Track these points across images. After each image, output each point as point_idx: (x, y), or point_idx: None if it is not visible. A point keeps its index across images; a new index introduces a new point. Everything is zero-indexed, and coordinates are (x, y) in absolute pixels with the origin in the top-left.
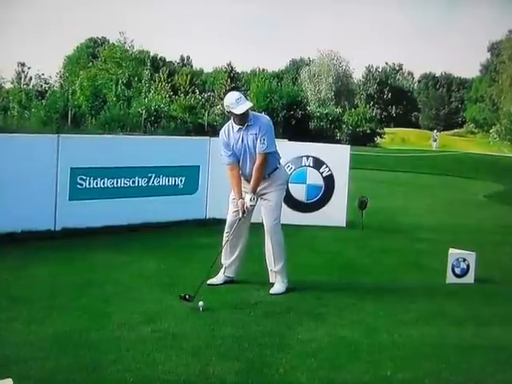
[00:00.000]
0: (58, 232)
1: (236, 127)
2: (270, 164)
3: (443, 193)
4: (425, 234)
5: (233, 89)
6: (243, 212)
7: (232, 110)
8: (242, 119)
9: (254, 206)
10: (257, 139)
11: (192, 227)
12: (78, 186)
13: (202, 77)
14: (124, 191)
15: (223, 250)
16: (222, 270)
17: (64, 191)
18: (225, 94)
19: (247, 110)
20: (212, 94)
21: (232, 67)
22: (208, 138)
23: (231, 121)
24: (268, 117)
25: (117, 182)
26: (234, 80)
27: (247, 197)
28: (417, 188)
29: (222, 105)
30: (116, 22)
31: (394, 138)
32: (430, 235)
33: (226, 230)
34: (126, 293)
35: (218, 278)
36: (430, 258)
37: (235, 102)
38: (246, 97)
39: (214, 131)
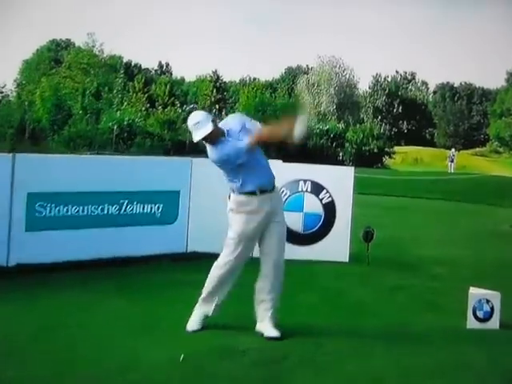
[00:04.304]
0: (11, 268)
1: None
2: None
3: (462, 222)
4: (441, 270)
5: (219, 101)
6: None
7: (192, 136)
8: (211, 138)
9: None
10: (241, 130)
11: (170, 262)
12: (37, 215)
13: (184, 87)
14: (91, 220)
15: (211, 289)
16: (201, 311)
17: (19, 220)
18: (210, 107)
19: (206, 136)
20: (195, 106)
21: (218, 76)
22: (190, 158)
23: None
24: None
25: (83, 209)
26: (221, 90)
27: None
28: (431, 216)
29: None
30: (83, 22)
31: (406, 158)
32: (447, 271)
33: (218, 276)
34: (93, 338)
35: (197, 323)
36: (446, 298)
37: (193, 127)
38: (215, 114)
39: (196, 150)
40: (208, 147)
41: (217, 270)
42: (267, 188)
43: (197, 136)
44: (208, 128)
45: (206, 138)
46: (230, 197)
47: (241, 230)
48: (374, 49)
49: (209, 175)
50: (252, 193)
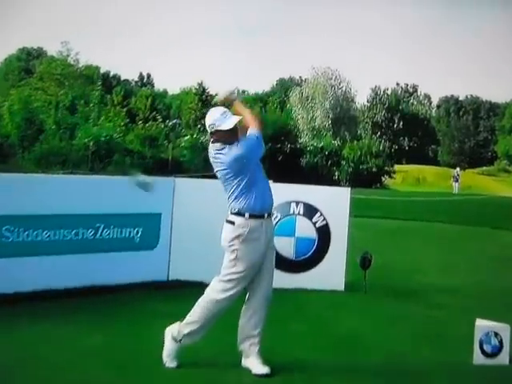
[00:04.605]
0: None
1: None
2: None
3: (467, 246)
4: (443, 299)
5: (205, 115)
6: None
7: (219, 128)
8: (232, 137)
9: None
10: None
11: (151, 291)
12: (3, 240)
13: (166, 100)
14: (64, 246)
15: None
16: (178, 345)
17: None
18: (194, 122)
19: (236, 126)
20: (178, 121)
21: (204, 88)
22: (172, 178)
23: (211, 147)
24: None
25: (55, 234)
26: (207, 104)
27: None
28: (434, 240)
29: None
30: (57, 29)
31: (407, 178)
32: (451, 300)
33: (215, 311)
34: (65, 375)
35: (176, 358)
36: (450, 331)
37: (221, 117)
38: (200, 130)
39: (180, 169)
40: (223, 151)
41: (214, 305)
42: (271, 210)
43: (231, 122)
44: (237, 116)
45: (234, 130)
46: (231, 222)
47: (250, 261)
48: (372, 60)
49: (193, 196)
50: (260, 216)
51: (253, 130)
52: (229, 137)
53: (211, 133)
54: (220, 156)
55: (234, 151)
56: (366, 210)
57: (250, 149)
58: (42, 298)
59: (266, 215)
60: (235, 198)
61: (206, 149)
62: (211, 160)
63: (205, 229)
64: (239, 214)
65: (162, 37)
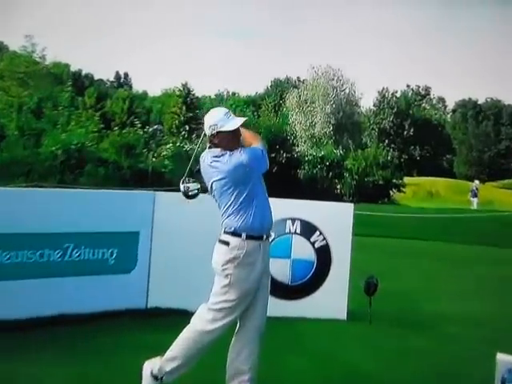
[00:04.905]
0: None
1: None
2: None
3: (485, 270)
4: (458, 329)
5: (190, 120)
6: None
7: (222, 129)
8: (234, 141)
9: None
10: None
11: (127, 321)
12: None
13: (146, 103)
14: (27, 269)
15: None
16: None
17: None
18: (178, 128)
19: (239, 130)
20: (160, 127)
21: (189, 90)
22: (152, 192)
23: (207, 154)
24: None
25: (16, 255)
26: (192, 107)
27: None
28: (448, 263)
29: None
30: (20, 22)
31: (418, 192)
32: (467, 331)
33: (203, 343)
34: None
35: None
36: (467, 366)
37: (224, 117)
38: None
39: (161, 181)
40: (222, 158)
41: (202, 337)
42: (270, 232)
43: (235, 123)
44: (242, 118)
45: (238, 132)
46: (226, 242)
47: (245, 288)
48: (379, 59)
49: (176, 212)
50: (259, 237)
51: (257, 145)
52: (231, 140)
53: (211, 135)
54: (218, 164)
55: (235, 158)
56: (372, 229)
57: (255, 157)
58: (2, 329)
59: (264, 236)
60: (231, 215)
61: (190, 158)
62: (204, 170)
63: (189, 250)
64: (235, 233)
65: (142, 32)
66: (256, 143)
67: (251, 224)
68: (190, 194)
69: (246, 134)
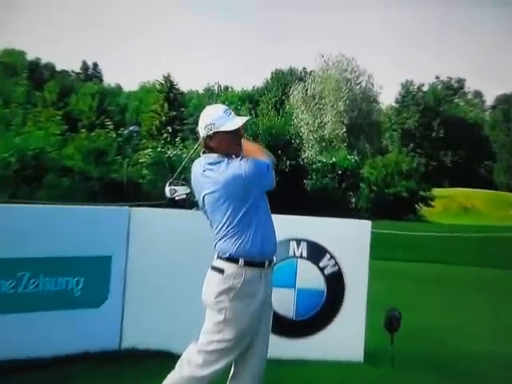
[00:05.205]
0: None
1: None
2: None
3: None
4: (503, 373)
5: (173, 120)
6: None
7: (220, 129)
8: (234, 144)
9: None
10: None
11: (96, 366)
12: None
13: (120, 99)
14: None
15: None
16: None
17: None
18: (159, 130)
19: (241, 131)
20: (137, 128)
21: (172, 83)
22: (127, 207)
23: (200, 161)
24: None
25: None
26: (176, 105)
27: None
28: (485, 292)
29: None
30: None
31: (450, 206)
32: (509, 374)
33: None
34: None
35: None
36: None
37: (223, 115)
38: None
39: (137, 194)
40: (218, 166)
41: (192, 382)
42: (273, 257)
43: (236, 123)
44: (245, 117)
45: (239, 133)
46: (220, 270)
47: (243, 326)
48: (402, 44)
49: (156, 232)
50: (260, 264)
51: (263, 159)
52: (231, 143)
53: (207, 137)
54: (212, 173)
55: (233, 167)
56: (394, 251)
57: (258, 170)
58: None
59: (266, 263)
60: (226, 236)
61: (173, 167)
62: (195, 179)
63: (174, 277)
64: (231, 259)
65: (115, 13)
66: (262, 156)
67: (250, 248)
68: (176, 198)
69: (248, 147)
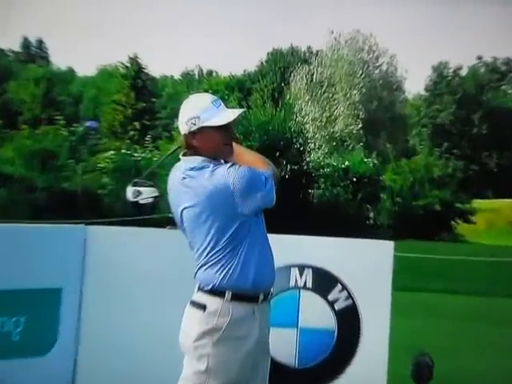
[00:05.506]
0: None
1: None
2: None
3: None
4: None
5: (143, 113)
6: None
7: (206, 124)
8: (224, 144)
9: None
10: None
11: None
12: None
13: (73, 86)
14: None
15: None
16: None
17: None
18: (123, 126)
19: (232, 127)
20: (95, 124)
21: (140, 66)
22: (82, 224)
23: (179, 167)
24: None
25: None
26: (145, 94)
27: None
28: None
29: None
30: None
31: (495, 222)
32: None
33: None
34: None
35: None
36: None
37: (211, 107)
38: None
39: (96, 208)
40: (200, 173)
41: None
42: (270, 290)
43: (227, 116)
44: (239, 110)
45: (229, 131)
46: (201, 305)
47: (230, 376)
48: (433, 17)
49: (119, 256)
50: (252, 298)
51: (261, 167)
52: (220, 142)
53: (190, 134)
54: (193, 182)
55: (221, 174)
56: (423, 280)
57: (252, 180)
58: None
59: (260, 297)
60: (210, 263)
61: (141, 172)
62: (172, 190)
63: (141, 314)
64: (215, 291)
65: None
66: (260, 165)
67: (240, 277)
68: (140, 202)
69: (241, 152)
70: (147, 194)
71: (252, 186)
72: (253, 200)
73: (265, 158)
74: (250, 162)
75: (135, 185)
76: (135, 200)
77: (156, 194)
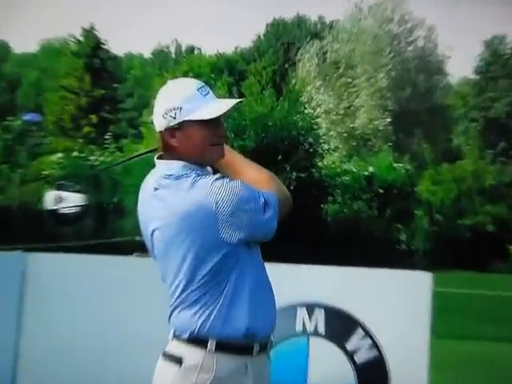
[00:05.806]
0: None
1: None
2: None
3: None
4: None
5: (102, 104)
6: None
7: (191, 116)
8: (212, 143)
9: None
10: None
11: None
12: None
13: (7, 66)
14: None
15: None
16: None
17: None
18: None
19: (222, 122)
20: (37, 117)
21: (99, 41)
22: (20, 251)
23: (151, 176)
24: None
25: None
26: (105, 76)
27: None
28: None
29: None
30: None
31: None
32: None
33: None
34: None
35: None
36: None
37: (197, 95)
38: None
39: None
40: (177, 183)
41: None
42: (270, 338)
43: (219, 107)
44: (234, 100)
45: (217, 128)
46: (176, 359)
47: None
48: None
49: (66, 290)
50: (244, 349)
51: (265, 186)
52: (206, 143)
53: (169, 129)
54: (167, 194)
55: (203, 188)
56: (471, 323)
57: (246, 201)
58: None
59: (256, 348)
60: (186, 302)
61: (100, 183)
62: (142, 204)
63: (92, 361)
64: (194, 340)
65: None
66: (261, 183)
67: (227, 321)
68: (61, 211)
69: (235, 160)
70: (71, 201)
71: (243, 208)
72: (243, 228)
73: (271, 172)
74: (247, 176)
75: (59, 188)
76: (54, 208)
77: (83, 202)
